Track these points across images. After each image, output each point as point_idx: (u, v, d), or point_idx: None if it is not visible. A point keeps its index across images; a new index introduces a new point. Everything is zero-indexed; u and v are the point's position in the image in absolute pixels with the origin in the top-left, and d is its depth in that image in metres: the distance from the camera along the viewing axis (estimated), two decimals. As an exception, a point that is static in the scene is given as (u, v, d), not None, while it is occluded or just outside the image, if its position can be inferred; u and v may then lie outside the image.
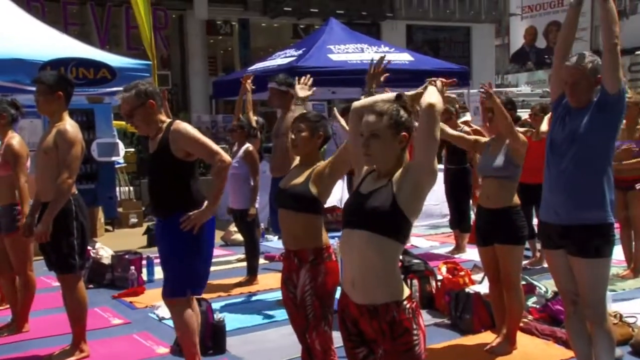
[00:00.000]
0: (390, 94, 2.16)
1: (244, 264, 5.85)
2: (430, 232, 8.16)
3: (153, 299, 4.95)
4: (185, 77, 16.38)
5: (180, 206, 3.13)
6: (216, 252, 7.34)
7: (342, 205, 7.09)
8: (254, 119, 5.74)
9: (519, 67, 23.29)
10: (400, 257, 4.72)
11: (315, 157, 2.79)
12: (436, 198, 8.20)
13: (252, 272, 5.63)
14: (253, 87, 5.58)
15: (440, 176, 6.79)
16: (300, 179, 2.73)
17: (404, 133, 2.02)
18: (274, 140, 4.91)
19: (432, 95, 2.04)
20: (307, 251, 2.70)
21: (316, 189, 2.68)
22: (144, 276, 5.64)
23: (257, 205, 5.68)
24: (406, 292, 2.02)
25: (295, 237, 2.73)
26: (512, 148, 3.61)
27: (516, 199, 3.65)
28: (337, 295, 2.40)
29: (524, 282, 4.15)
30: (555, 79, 2.94)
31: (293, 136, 2.78)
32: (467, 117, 8.31)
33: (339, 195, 8.36)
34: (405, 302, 1.99)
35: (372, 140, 2.03)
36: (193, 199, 3.16)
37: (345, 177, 7.59)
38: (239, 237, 6.79)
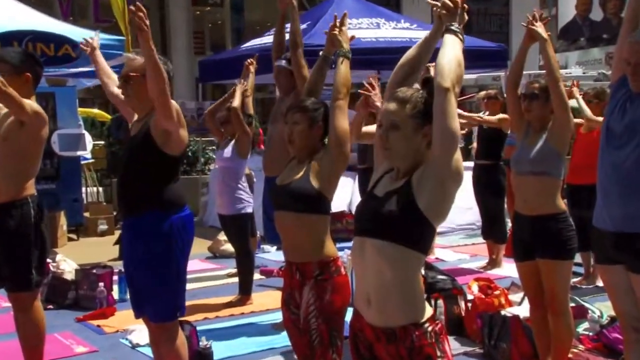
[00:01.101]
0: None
1: (236, 279, 5.85)
2: (458, 243, 8.15)
3: (125, 322, 4.93)
4: (167, 56, 16.45)
5: (155, 204, 3.16)
6: (202, 265, 7.47)
7: (353, 211, 7.07)
8: (250, 106, 5.74)
9: (568, 44, 23.11)
10: (423, 272, 4.80)
11: (313, 150, 2.81)
12: (466, 200, 8.16)
13: (245, 290, 5.64)
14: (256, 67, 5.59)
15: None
16: (298, 174, 2.75)
17: (429, 125, 2.02)
18: (270, 128, 4.92)
19: (445, 66, 1.98)
20: (311, 264, 2.71)
21: (318, 182, 2.70)
22: (115, 294, 5.65)
23: (251, 201, 5.66)
24: (428, 312, 2.02)
25: (296, 246, 2.75)
26: (556, 133, 3.58)
27: (561, 204, 3.63)
28: (347, 317, 2.41)
29: (573, 304, 4.12)
30: (618, 57, 2.92)
31: (288, 130, 2.80)
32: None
33: (348, 198, 8.37)
34: (427, 325, 1.99)
35: (391, 132, 2.05)
36: (171, 200, 3.19)
37: (357, 177, 7.61)
38: (229, 247, 6.80)
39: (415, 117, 2.03)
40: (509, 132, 6.36)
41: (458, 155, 1.98)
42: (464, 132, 10.83)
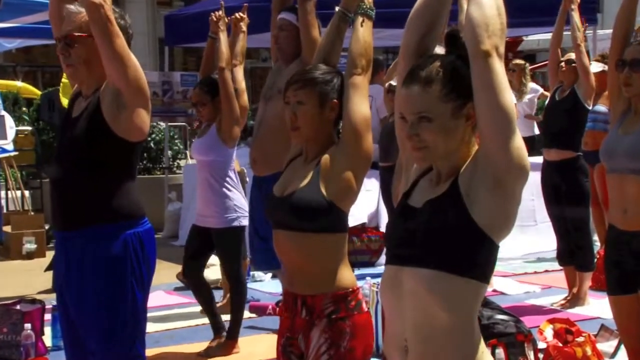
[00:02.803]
0: None
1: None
2: (525, 270, 8.15)
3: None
4: (120, 8, 16.56)
5: (104, 214, 3.17)
6: (169, 299, 7.46)
7: (380, 224, 7.08)
8: (241, 78, 5.70)
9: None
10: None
11: (327, 142, 2.81)
12: (531, 212, 8.12)
13: (232, 333, 5.63)
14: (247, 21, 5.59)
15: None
16: (305, 180, 2.75)
17: (472, 102, 2.00)
18: (261, 108, 4.90)
19: (480, 20, 1.95)
20: (323, 297, 2.72)
21: (330, 190, 2.71)
22: (48, 340, 5.66)
23: (245, 210, 5.61)
24: None
25: (303, 273, 2.75)
26: None
27: None
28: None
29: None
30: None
31: (290, 112, 2.80)
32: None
33: (370, 206, 8.36)
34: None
35: (421, 126, 2.03)
36: (126, 208, 3.21)
37: (380, 177, 7.60)
38: (209, 274, 6.80)
39: (449, 97, 2.02)
40: (590, 106, 6.31)
41: (517, 140, 1.96)
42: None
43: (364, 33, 2.81)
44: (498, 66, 1.94)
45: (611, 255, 3.76)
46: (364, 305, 2.78)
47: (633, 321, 3.68)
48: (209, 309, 5.65)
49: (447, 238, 1.99)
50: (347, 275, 2.78)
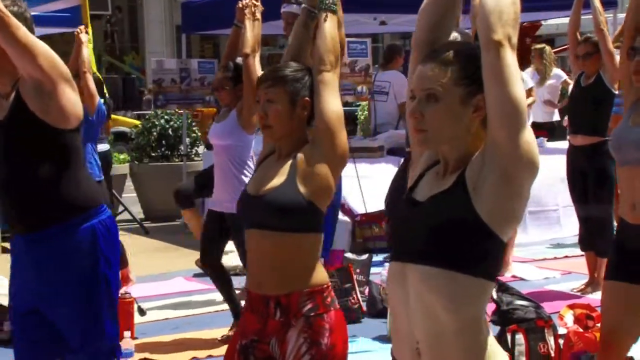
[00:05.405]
0: None
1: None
2: (545, 255, 8.13)
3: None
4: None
5: (65, 208, 3.14)
6: (188, 285, 7.48)
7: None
8: (258, 66, 5.69)
9: None
10: (495, 295, 4.78)
11: (300, 140, 2.79)
12: (554, 198, 8.10)
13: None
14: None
15: (559, 160, 6.73)
16: (280, 178, 2.73)
17: (482, 94, 1.98)
18: None
19: (493, 8, 1.93)
20: (298, 295, 2.69)
21: (308, 188, 2.69)
22: None
23: None
24: None
25: (276, 272, 2.71)
26: None
27: None
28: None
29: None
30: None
31: (261, 111, 2.79)
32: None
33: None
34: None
35: (428, 105, 2.01)
36: (87, 198, 3.19)
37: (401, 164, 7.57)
38: (228, 260, 6.81)
39: (462, 82, 2.00)
40: (616, 90, 6.27)
41: (527, 134, 1.94)
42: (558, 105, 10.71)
43: (329, 28, 2.78)
44: (510, 57, 1.92)
45: (618, 247, 3.74)
46: (336, 301, 2.78)
47: (621, 310, 3.66)
48: (228, 295, 5.66)
49: (452, 234, 1.97)
50: (321, 271, 2.77)
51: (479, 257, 1.98)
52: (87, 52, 6.33)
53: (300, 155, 2.74)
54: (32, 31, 3.07)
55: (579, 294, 6.56)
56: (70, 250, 3.16)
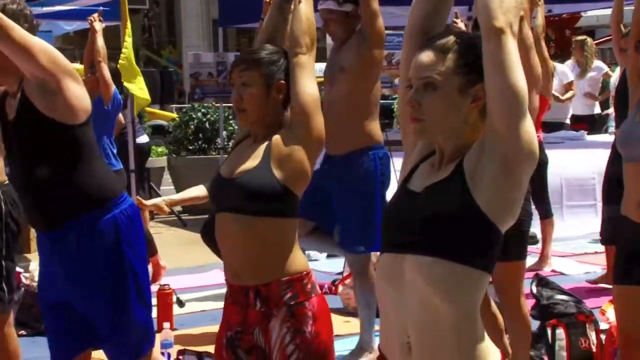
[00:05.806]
0: None
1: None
2: (586, 250, 8.08)
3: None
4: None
5: (88, 200, 3.15)
6: (213, 277, 7.52)
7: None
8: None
9: None
10: (534, 289, 4.75)
11: (275, 124, 2.75)
12: (592, 191, 8.02)
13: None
14: None
15: (599, 154, 6.66)
16: (254, 161, 2.69)
17: (481, 84, 1.96)
18: (326, 91, 4.91)
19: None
20: (277, 284, 2.66)
21: (283, 172, 2.66)
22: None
23: None
24: None
25: (252, 261, 2.68)
26: None
27: None
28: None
29: None
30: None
31: (235, 94, 2.77)
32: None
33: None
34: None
35: (425, 94, 1.99)
36: (107, 189, 3.21)
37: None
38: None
39: (461, 70, 1.98)
40: None
41: (527, 124, 1.91)
42: (599, 97, 10.60)
43: (305, 10, 2.75)
44: (511, 44, 1.90)
45: (619, 247, 3.72)
46: (317, 287, 2.75)
47: (637, 315, 3.59)
48: None
49: (449, 224, 1.95)
50: (299, 258, 2.73)
51: (476, 248, 1.96)
52: (102, 41, 6.21)
53: (275, 139, 2.70)
54: (33, 27, 3.07)
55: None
56: (94, 243, 3.18)
